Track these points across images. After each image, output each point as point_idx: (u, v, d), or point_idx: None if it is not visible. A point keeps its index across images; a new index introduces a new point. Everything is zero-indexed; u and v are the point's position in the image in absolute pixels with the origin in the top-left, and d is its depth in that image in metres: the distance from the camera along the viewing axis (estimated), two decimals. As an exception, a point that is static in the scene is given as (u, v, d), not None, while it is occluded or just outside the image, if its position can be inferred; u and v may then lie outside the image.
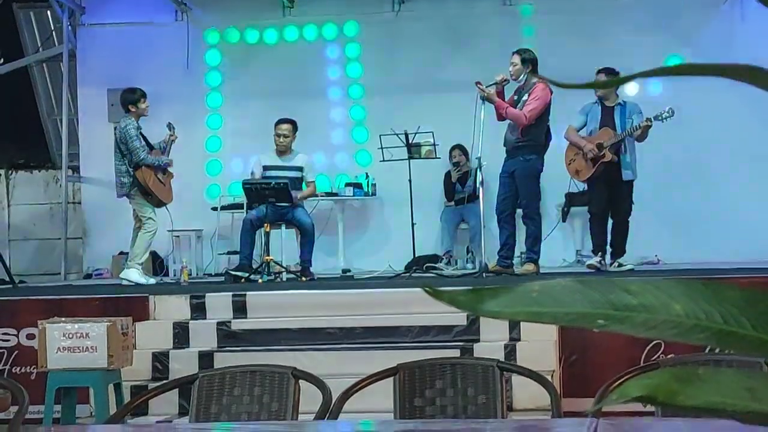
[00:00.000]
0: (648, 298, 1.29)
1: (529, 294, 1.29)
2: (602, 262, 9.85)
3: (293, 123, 10.86)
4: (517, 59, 9.61)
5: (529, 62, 9.58)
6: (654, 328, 1.27)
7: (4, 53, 12.09)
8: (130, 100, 10.17)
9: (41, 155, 14.51)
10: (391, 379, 3.87)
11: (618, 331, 1.30)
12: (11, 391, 3.72)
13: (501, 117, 9.62)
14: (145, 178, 9.96)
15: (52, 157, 14.39)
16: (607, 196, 9.90)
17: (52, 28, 14.10)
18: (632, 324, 1.27)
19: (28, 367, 7.61)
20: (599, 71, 9.81)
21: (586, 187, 10.44)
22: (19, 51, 14.03)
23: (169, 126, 10.49)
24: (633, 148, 9.93)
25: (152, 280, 10.33)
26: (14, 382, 3.86)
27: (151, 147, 10.19)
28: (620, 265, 9.92)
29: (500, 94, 9.62)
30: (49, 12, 13.97)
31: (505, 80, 9.61)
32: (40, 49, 14.17)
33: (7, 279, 11.00)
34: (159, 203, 10.16)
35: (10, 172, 14.22)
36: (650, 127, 9.70)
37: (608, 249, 10.03)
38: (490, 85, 9.47)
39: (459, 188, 12.28)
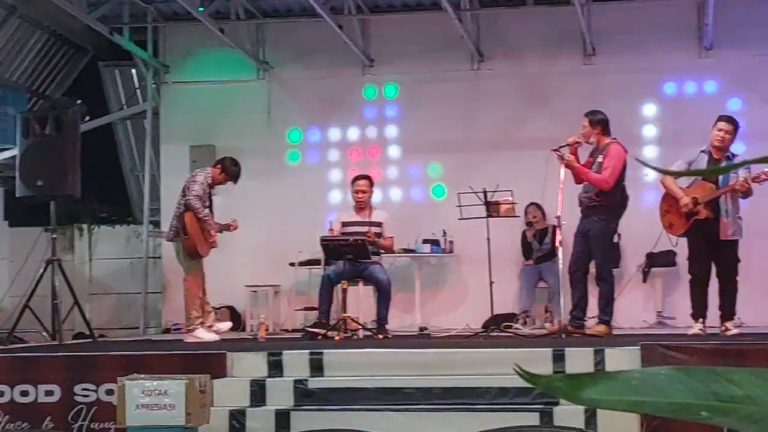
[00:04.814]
0: (753, 389, 1.24)
1: (629, 382, 1.25)
2: (704, 329, 9.09)
3: (370, 179, 10.94)
4: (585, 121, 9.54)
5: (598, 123, 9.50)
6: (760, 422, 1.22)
7: (89, 110, 12.33)
8: (226, 166, 10.24)
9: (123, 210, 14.75)
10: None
11: (723, 424, 1.25)
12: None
13: (579, 180, 9.53)
14: (189, 221, 9.94)
15: (134, 212, 14.61)
16: (708, 256, 9.15)
17: (137, 86, 14.39)
18: (738, 416, 1.22)
19: (107, 423, 7.64)
20: (721, 118, 9.20)
21: (676, 243, 9.72)
22: (104, 108, 14.33)
23: (234, 221, 10.49)
24: (737, 204, 9.09)
25: (225, 326, 10.29)
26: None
27: (211, 212, 10.19)
28: (726, 329, 9.05)
29: (575, 154, 9.52)
30: (134, 70, 14.26)
31: (577, 143, 9.52)
32: (125, 107, 14.45)
33: (88, 333, 11.15)
34: (192, 248, 10.03)
35: (92, 226, 14.46)
36: (748, 186, 8.92)
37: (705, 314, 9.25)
38: (563, 146, 9.39)
39: (536, 246, 12.19)
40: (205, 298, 10.34)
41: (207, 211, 10.06)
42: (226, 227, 10.46)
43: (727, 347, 7.73)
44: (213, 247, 10.25)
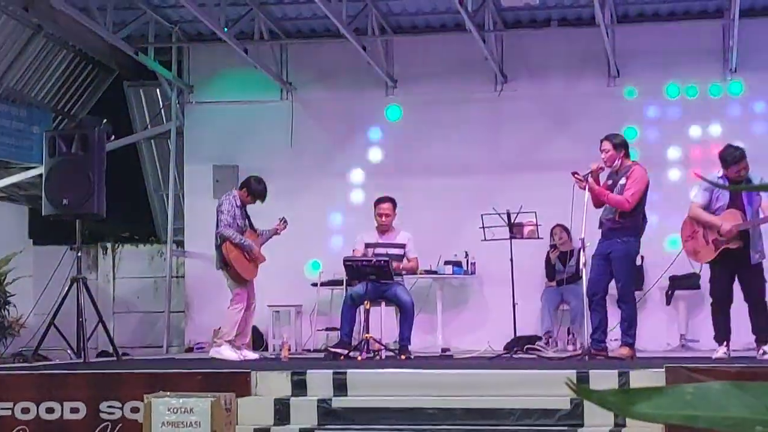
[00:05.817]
0: (808, 403, 1.24)
1: (683, 396, 1.25)
2: (728, 352, 8.94)
3: (393, 201, 10.93)
4: (608, 145, 9.43)
5: (621, 146, 9.45)
6: (816, 437, 1.22)
7: (114, 129, 12.40)
8: (251, 187, 10.34)
9: (147, 229, 14.80)
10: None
11: (778, 439, 1.25)
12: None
13: (598, 204, 9.45)
14: (228, 251, 10.07)
15: (158, 232, 14.66)
16: (730, 281, 9.03)
17: (161, 105, 14.47)
18: (793, 432, 1.22)
19: (132, 441, 7.63)
20: (742, 155, 8.92)
21: (699, 268, 9.60)
22: (128, 127, 14.41)
23: (282, 219, 10.61)
24: (759, 229, 9.05)
25: (252, 355, 10.36)
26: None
27: (252, 228, 10.32)
28: (765, 353, 8.90)
29: (596, 180, 9.48)
30: (158, 90, 14.35)
31: (601, 168, 9.47)
32: (149, 126, 14.53)
33: (111, 351, 11.17)
34: (238, 277, 10.20)
35: (116, 245, 14.51)
36: None
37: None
38: (586, 174, 9.33)
39: (560, 268, 12.15)
40: (250, 321, 10.47)
41: (241, 236, 10.17)
42: (274, 233, 10.57)
43: (752, 370, 7.69)
44: (261, 262, 10.36)
